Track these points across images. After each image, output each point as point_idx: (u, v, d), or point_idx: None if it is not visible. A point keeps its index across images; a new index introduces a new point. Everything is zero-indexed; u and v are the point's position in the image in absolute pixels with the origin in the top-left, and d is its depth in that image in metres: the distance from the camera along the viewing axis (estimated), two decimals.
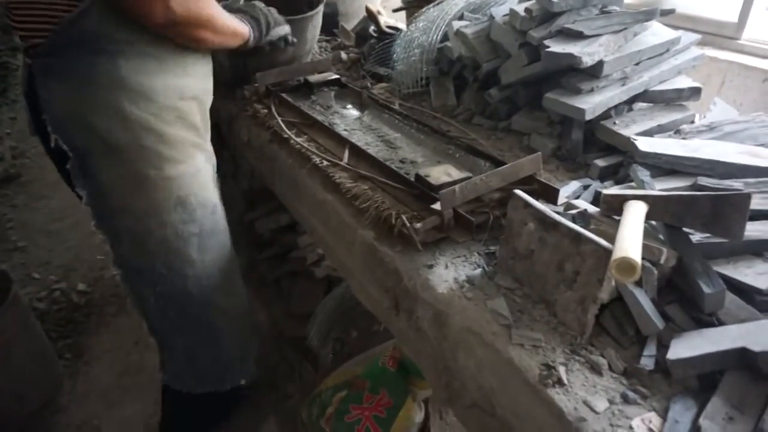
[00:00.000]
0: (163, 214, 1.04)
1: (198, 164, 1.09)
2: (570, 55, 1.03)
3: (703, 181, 0.92)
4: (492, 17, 1.23)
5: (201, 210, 1.09)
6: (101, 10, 0.87)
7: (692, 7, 2.41)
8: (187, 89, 1.03)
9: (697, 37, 1.27)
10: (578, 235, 0.69)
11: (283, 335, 1.69)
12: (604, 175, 1.02)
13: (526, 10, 1.13)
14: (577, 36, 1.08)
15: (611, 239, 0.67)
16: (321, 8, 1.43)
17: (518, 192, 0.77)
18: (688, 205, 0.75)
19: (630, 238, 0.60)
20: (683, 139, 1.04)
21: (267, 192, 1.39)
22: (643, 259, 0.71)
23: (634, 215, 0.70)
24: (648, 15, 1.13)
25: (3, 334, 1.52)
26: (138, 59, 0.94)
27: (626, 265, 0.54)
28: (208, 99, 1.14)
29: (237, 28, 1.09)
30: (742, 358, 0.62)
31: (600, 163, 1.02)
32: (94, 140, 0.95)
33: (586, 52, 1.03)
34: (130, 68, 0.92)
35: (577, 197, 0.94)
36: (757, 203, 0.88)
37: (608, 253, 0.66)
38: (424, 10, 1.48)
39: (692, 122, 1.11)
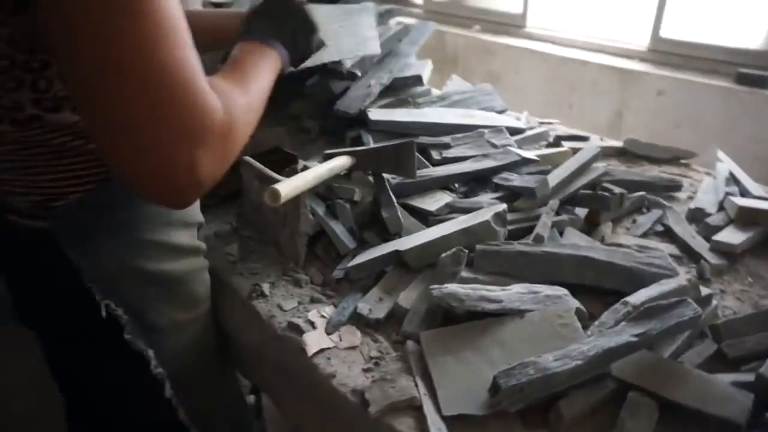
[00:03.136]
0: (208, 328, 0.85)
1: None
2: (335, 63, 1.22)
3: (423, 139, 1.15)
4: None
5: None
6: None
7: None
8: None
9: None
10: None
11: None
12: (355, 144, 1.22)
13: None
14: None
15: None
16: None
17: (246, 158, 0.94)
18: (378, 155, 0.96)
19: (294, 178, 0.78)
20: (416, 108, 1.28)
21: None
22: (339, 198, 0.90)
23: (329, 164, 0.88)
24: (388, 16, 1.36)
25: None
26: None
27: (273, 193, 0.71)
28: None
29: (263, 81, 0.69)
30: (396, 258, 0.82)
31: (350, 134, 1.22)
32: (151, 282, 0.72)
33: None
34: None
35: None
36: (459, 152, 1.12)
37: (299, 196, 0.84)
38: None
39: (429, 94, 1.35)
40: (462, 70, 2.77)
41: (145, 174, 0.48)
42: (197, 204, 0.78)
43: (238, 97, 0.59)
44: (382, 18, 1.40)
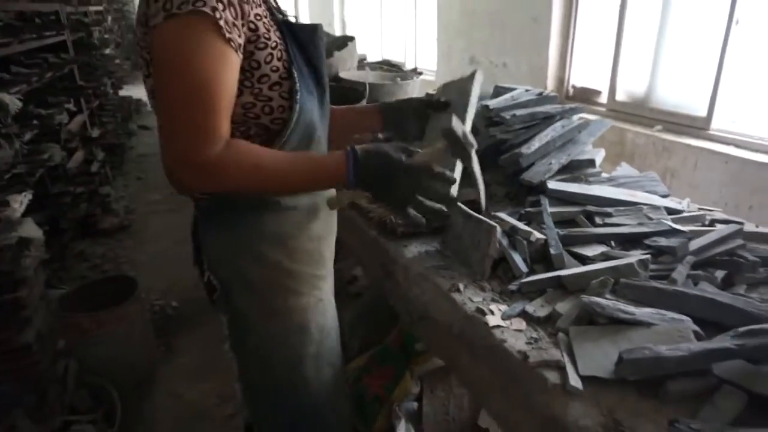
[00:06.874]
0: (286, 336, 1.17)
1: (319, 294, 1.21)
2: (518, 153, 1.61)
3: (590, 208, 1.45)
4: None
5: (318, 334, 1.20)
6: None
7: (668, 102, 2.95)
8: (314, 231, 1.17)
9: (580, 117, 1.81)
10: (479, 220, 1.24)
11: None
12: (533, 206, 1.55)
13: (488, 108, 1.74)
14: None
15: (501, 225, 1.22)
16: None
17: (458, 203, 1.33)
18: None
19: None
20: (586, 183, 1.58)
21: None
22: (519, 236, 1.24)
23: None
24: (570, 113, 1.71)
25: (129, 318, 2.17)
26: (279, 213, 1.11)
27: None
28: (332, 236, 1.28)
29: (292, 173, 1.00)
30: (558, 281, 1.12)
31: (530, 199, 1.56)
32: (237, 277, 1.12)
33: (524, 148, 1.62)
34: (271, 221, 1.10)
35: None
36: (618, 220, 1.40)
37: (493, 228, 1.20)
38: None
39: (599, 175, 1.64)
40: (638, 165, 2.95)
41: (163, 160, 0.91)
42: (294, 227, 1.14)
43: (243, 159, 0.93)
44: (568, 114, 1.75)
